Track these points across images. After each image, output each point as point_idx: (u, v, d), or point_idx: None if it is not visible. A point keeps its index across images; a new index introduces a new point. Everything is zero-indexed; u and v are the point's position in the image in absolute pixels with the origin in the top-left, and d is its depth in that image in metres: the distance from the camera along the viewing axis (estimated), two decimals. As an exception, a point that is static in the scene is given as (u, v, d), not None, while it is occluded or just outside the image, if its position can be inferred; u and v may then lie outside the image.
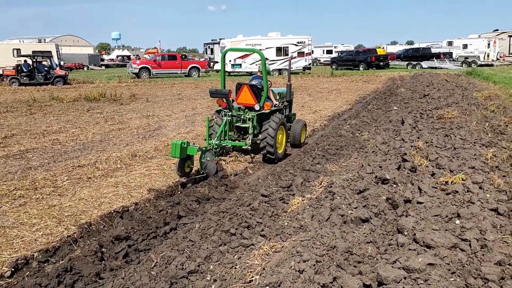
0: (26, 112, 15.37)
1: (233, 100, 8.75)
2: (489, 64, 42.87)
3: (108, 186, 6.99)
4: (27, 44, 39.89)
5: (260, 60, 8.66)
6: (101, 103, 18.36)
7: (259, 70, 9.41)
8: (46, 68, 28.08)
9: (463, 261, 3.75)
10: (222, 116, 8.43)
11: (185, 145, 7.08)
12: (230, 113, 8.44)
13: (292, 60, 36.98)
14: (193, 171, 7.56)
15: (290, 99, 10.08)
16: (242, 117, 8.62)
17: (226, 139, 8.41)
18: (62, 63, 41.03)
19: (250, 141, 8.47)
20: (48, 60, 28.84)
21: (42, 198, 6.44)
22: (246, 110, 8.67)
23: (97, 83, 29.64)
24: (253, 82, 8.94)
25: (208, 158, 7.47)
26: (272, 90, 9.24)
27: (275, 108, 8.98)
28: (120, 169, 8.05)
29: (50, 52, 34.34)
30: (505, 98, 16.71)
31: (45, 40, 63.50)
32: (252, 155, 8.79)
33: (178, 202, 6.12)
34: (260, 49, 37.49)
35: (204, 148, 7.52)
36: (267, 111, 8.54)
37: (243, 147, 8.49)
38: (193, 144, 7.48)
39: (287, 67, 36.83)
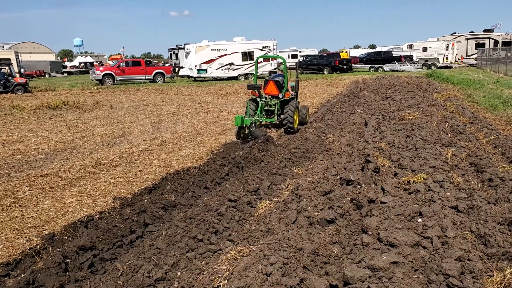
0: (-16, 121, 14.87)
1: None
2: (448, 66, 44.08)
3: (71, 196, 6.85)
4: (-16, 52, 38.61)
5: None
6: (64, 111, 17.96)
7: (279, 69, 14.09)
8: (5, 76, 27.22)
9: (425, 258, 3.86)
10: (258, 102, 11.95)
11: (243, 118, 10.27)
12: (262, 100, 11.95)
13: (259, 65, 37.06)
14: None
15: (297, 90, 13.04)
16: (269, 103, 12.16)
17: (261, 117, 11.86)
18: (22, 70, 39.84)
19: (277, 118, 12.17)
20: (7, 68, 27.97)
21: (2, 210, 6.25)
22: (272, 98, 12.17)
23: (60, 90, 28.91)
24: (276, 79, 12.31)
25: (254, 128, 10.80)
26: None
27: (292, 96, 12.35)
28: (84, 177, 7.90)
29: (9, 59, 33.24)
30: (463, 99, 17.30)
31: (3, 47, 61.46)
32: (276, 129, 12.66)
33: (144, 210, 6.04)
34: (226, 54, 37.61)
35: (251, 122, 10.62)
36: (287, 98, 12.12)
37: (272, 122, 12.39)
38: (246, 118, 10.74)
39: (253, 72, 36.95)
